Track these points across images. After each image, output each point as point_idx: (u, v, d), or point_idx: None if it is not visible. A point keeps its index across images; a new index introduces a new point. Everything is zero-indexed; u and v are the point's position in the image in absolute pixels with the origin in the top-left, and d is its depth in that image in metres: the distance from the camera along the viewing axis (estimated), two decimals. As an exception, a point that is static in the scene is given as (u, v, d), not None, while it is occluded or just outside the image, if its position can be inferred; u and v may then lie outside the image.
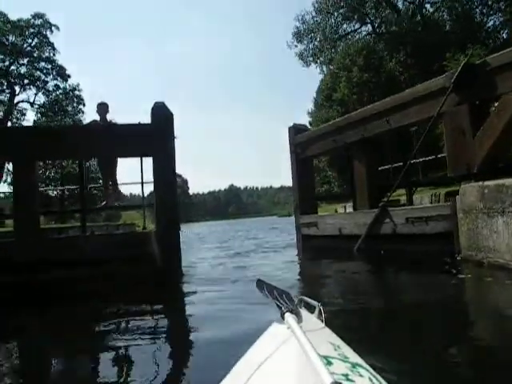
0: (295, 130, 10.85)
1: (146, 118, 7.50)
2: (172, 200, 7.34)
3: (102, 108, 8.40)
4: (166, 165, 7.31)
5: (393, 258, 7.72)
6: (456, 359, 2.92)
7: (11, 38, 34.53)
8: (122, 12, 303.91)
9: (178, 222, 7.48)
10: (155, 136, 7.24)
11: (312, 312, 1.41)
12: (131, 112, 28.87)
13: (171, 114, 7.59)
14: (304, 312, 1.33)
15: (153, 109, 7.42)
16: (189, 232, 35.10)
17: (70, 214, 14.85)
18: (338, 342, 1.14)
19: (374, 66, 35.79)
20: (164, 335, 4.08)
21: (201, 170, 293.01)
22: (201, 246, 15.49)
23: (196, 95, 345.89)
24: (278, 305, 1.28)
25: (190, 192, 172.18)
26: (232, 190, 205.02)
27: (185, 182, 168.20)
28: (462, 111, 6.87)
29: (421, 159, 10.22)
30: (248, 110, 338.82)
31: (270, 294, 1.42)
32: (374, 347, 2.90)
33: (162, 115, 7.41)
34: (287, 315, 1.12)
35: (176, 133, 7.59)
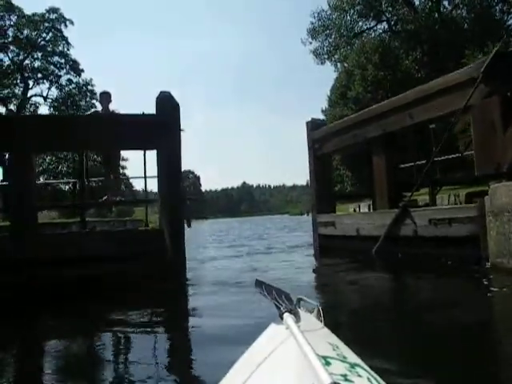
0: (313, 125, 10.24)
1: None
2: (177, 196, 6.80)
3: (104, 97, 7.87)
4: (171, 159, 6.77)
5: (414, 262, 7.13)
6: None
7: (26, 32, 34.33)
8: (135, 8, 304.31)
9: (183, 219, 6.93)
10: (159, 128, 6.71)
11: (311, 312, 1.39)
12: (143, 108, 28.47)
13: (177, 105, 7.05)
14: (303, 312, 1.30)
15: (157, 98, 6.88)
16: (200, 229, 34.78)
17: (71, 208, 14.32)
18: (337, 342, 1.12)
19: (389, 64, 35.21)
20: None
21: (214, 168, 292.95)
22: (210, 244, 14.95)
23: (209, 93, 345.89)
24: (276, 305, 1.25)
25: (203, 189, 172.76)
26: (244, 187, 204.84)
27: (197, 178, 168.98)
28: (492, 104, 6.21)
29: (444, 157, 9.53)
30: (262, 108, 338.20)
31: (268, 294, 1.38)
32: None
33: (167, 105, 6.86)
34: (286, 315, 1.10)
35: (182, 126, 7.08)
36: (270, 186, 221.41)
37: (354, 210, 13.35)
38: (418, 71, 34.20)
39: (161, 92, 6.98)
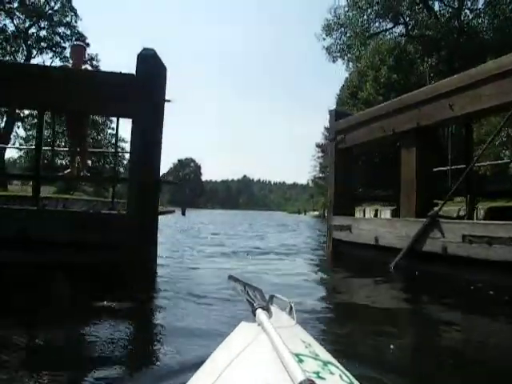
0: (336, 115, 8.67)
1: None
2: (151, 178, 5.28)
3: (76, 51, 6.30)
4: (148, 131, 5.28)
5: (440, 285, 5.64)
6: None
7: (33, -1, 32.69)
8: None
9: (157, 206, 5.44)
10: (138, 92, 5.21)
11: (284, 309, 1.29)
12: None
13: (164, 68, 5.56)
14: (276, 309, 1.24)
15: (139, 56, 5.37)
16: (194, 219, 33.23)
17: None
18: (310, 339, 1.07)
19: (403, 68, 34.21)
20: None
21: (215, 158, 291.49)
22: (200, 239, 13.35)
23: (219, 85, 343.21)
24: (249, 301, 1.21)
25: (203, 178, 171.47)
26: (245, 180, 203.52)
27: (198, 167, 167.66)
28: None
29: (487, 163, 7.96)
30: (268, 105, 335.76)
31: (241, 290, 1.34)
32: None
33: (150, 66, 5.37)
34: (258, 312, 1.08)
35: (170, 96, 5.62)
36: (270, 182, 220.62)
37: (366, 215, 11.70)
38: (432, 78, 32.82)
39: (144, 49, 5.47)
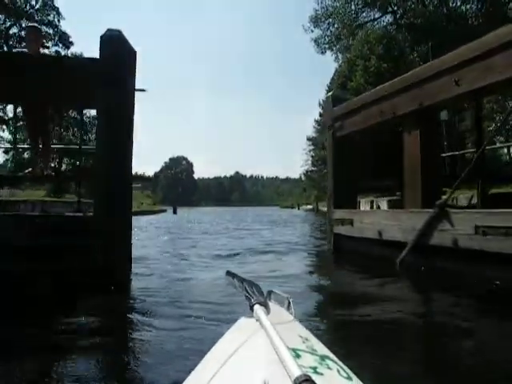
0: (334, 101, 7.95)
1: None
2: (121, 175, 4.57)
3: (31, 33, 5.56)
4: (117, 123, 4.56)
5: (451, 283, 5.02)
6: None
7: (12, -4, 31.63)
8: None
9: (130, 206, 4.74)
10: (102, 79, 4.51)
11: (282, 305, 1.27)
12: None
13: (132, 52, 4.89)
14: (273, 305, 1.22)
15: (102, 39, 4.67)
16: (185, 217, 32.48)
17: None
18: (307, 334, 1.05)
19: (393, 57, 33.79)
20: None
21: (206, 156, 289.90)
22: (189, 237, 12.63)
23: (209, 81, 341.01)
24: (247, 297, 1.18)
25: (195, 176, 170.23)
26: (237, 177, 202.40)
27: (190, 165, 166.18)
28: None
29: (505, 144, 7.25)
30: (261, 100, 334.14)
31: (239, 285, 1.30)
32: None
33: (115, 50, 4.68)
34: (256, 307, 1.07)
35: (143, 84, 4.94)
36: (262, 177, 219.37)
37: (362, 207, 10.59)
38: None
39: (108, 30, 4.77)
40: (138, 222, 22.92)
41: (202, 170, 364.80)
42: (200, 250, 8.44)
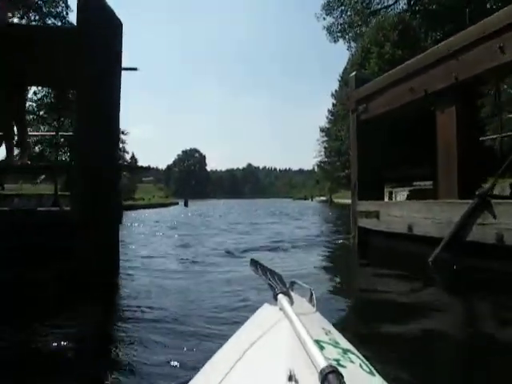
0: (357, 81, 7.10)
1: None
2: (108, 166, 3.87)
3: None
4: (101, 106, 3.84)
5: (496, 286, 4.24)
6: None
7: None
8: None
9: (118, 199, 4.05)
10: (81, 53, 3.79)
11: (304, 296, 1.27)
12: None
13: (118, 22, 4.16)
14: (296, 295, 1.21)
15: (80, 4, 3.96)
16: (197, 210, 31.85)
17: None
18: (329, 327, 1.07)
19: (408, 44, 32.75)
20: None
21: (219, 148, 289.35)
22: (200, 232, 11.90)
23: (220, 74, 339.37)
24: (270, 285, 1.21)
25: (208, 168, 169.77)
26: (249, 169, 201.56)
27: (203, 157, 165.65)
28: None
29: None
30: (269, 92, 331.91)
31: (263, 274, 1.34)
32: None
33: (95, 17, 3.94)
34: (280, 296, 1.07)
35: (134, 63, 4.17)
36: (275, 169, 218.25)
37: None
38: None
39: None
40: (143, 215, 22.50)
41: (215, 163, 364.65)
42: (189, 251, 7.43)
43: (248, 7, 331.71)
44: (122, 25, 4.34)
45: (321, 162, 69.70)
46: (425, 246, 5.16)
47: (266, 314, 1.10)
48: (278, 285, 1.18)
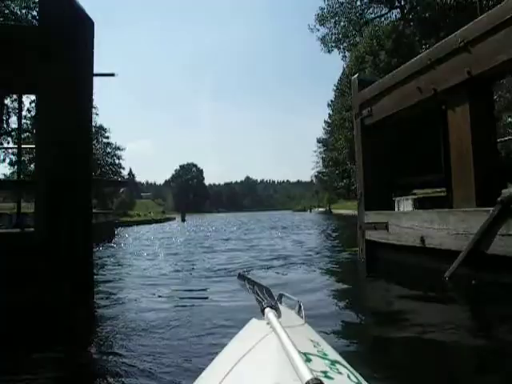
0: (359, 84, 6.57)
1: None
2: (77, 180, 3.33)
3: None
4: (65, 112, 3.33)
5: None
6: None
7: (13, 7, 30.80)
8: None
9: (87, 216, 3.49)
10: (42, 53, 3.30)
11: (292, 308, 1.28)
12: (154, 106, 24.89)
13: (88, 21, 3.67)
14: (284, 308, 1.23)
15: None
16: (197, 224, 31.22)
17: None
18: (318, 338, 1.05)
19: (403, 52, 32.62)
20: None
21: (217, 161, 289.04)
22: (195, 251, 11.29)
23: (216, 87, 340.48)
24: (258, 300, 1.19)
25: (206, 182, 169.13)
26: (248, 182, 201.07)
27: (200, 171, 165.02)
28: None
29: None
30: (266, 104, 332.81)
31: (250, 288, 1.32)
32: None
33: (62, 16, 3.46)
34: (267, 310, 1.07)
35: (114, 69, 3.70)
36: (273, 182, 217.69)
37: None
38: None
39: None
40: (131, 232, 21.76)
41: (213, 177, 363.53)
42: (227, 265, 6.86)
43: (245, 18, 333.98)
44: (93, 24, 3.85)
45: (319, 172, 69.50)
46: (440, 259, 4.61)
47: (253, 328, 1.10)
48: (265, 298, 1.16)
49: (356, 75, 6.72)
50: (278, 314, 1.05)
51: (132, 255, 9.50)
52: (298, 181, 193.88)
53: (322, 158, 64.14)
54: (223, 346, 1.07)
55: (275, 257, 7.80)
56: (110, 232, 12.49)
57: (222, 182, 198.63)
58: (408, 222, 5.08)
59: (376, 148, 6.15)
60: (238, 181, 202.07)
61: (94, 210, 15.43)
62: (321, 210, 62.92)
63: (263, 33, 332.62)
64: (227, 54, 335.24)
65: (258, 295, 1.21)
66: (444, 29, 31.52)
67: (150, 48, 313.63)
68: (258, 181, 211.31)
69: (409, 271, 5.08)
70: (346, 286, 5.17)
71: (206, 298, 4.76)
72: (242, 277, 1.45)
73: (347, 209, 37.28)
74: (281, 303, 1.26)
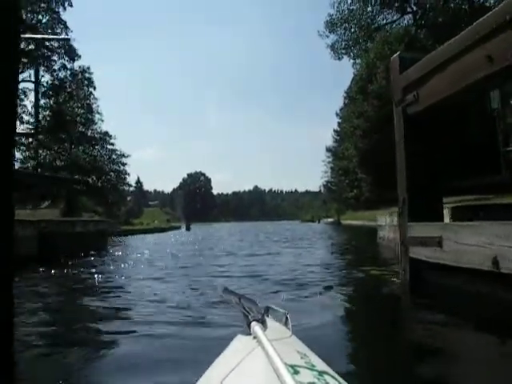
0: (401, 63, 4.93)
1: None
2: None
3: None
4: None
5: None
6: None
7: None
8: (144, 9, 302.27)
9: (8, 223, 2.30)
10: None
11: (279, 321, 1.23)
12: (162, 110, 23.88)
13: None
14: (271, 321, 1.18)
15: None
16: (201, 234, 30.00)
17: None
18: (305, 350, 1.02)
19: None
20: None
21: (225, 171, 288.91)
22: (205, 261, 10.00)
23: (223, 96, 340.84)
24: (244, 313, 1.15)
25: (214, 192, 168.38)
26: (256, 191, 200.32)
27: (208, 180, 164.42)
28: None
29: None
30: (274, 113, 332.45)
31: (236, 302, 1.27)
32: None
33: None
34: (253, 324, 1.03)
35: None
36: (281, 191, 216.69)
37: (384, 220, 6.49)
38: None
39: None
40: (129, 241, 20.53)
41: (221, 186, 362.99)
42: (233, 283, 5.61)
43: (248, 30, 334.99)
44: (22, 22, 2.69)
45: (327, 181, 68.47)
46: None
47: (239, 344, 1.05)
48: (251, 312, 1.13)
49: (397, 53, 5.22)
50: (265, 327, 1.03)
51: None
52: (307, 190, 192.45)
53: (331, 167, 63.12)
54: (209, 363, 0.97)
55: (299, 276, 6.35)
56: (99, 242, 11.25)
57: (230, 191, 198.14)
58: (472, 238, 3.60)
59: (423, 143, 4.65)
60: (247, 190, 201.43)
61: (84, 218, 14.20)
62: (329, 220, 61.31)
63: (273, 40, 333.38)
64: (231, 64, 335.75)
65: (244, 309, 1.17)
66: (458, 33, 30.50)
67: (159, 56, 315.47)
68: (267, 190, 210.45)
69: (473, 301, 3.69)
70: (383, 314, 3.86)
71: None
72: (226, 290, 1.41)
73: (357, 219, 36.02)
74: (267, 316, 1.21)
